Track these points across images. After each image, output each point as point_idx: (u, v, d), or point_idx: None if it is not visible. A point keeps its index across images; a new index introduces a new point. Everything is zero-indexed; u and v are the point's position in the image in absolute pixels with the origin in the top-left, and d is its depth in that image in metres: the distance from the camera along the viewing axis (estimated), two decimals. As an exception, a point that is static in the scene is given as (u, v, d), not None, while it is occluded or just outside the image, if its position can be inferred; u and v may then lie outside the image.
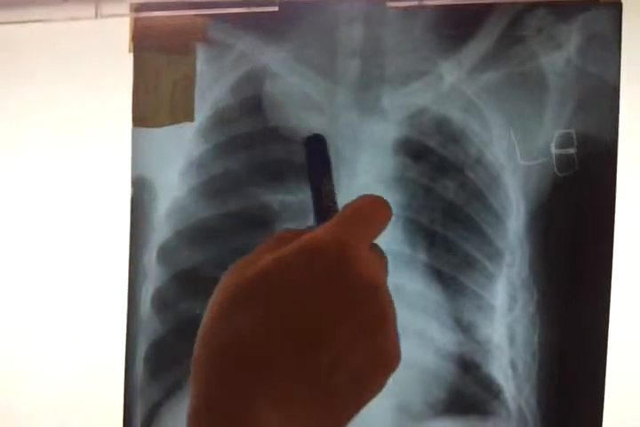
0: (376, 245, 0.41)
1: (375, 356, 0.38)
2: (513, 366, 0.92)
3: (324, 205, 0.44)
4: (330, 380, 0.36)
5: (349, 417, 0.38)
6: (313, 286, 0.36)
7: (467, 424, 0.93)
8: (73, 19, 1.08)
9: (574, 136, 0.91)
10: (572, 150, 0.91)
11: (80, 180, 1.10)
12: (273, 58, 1.00)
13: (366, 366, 0.37)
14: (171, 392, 1.03)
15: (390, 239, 0.93)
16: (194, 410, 0.36)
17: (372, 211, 0.41)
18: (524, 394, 0.91)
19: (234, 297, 0.37)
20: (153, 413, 1.04)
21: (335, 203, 0.46)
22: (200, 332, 0.38)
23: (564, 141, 0.91)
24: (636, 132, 0.89)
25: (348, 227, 0.39)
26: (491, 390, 0.92)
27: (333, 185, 0.46)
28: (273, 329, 0.36)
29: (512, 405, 0.92)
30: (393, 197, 0.93)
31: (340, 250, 0.37)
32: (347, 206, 0.42)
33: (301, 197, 0.97)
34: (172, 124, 1.04)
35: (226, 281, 0.39)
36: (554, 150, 0.91)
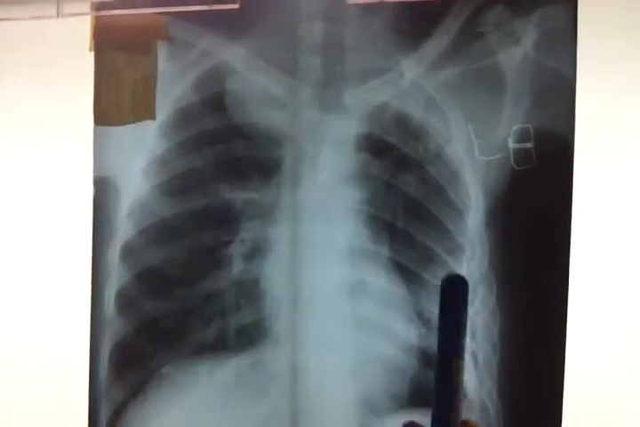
0: None
1: None
2: (474, 358, 0.92)
3: (452, 407, 0.31)
4: None
5: None
6: None
7: (429, 417, 0.93)
8: (35, 17, 1.08)
9: (531, 131, 0.92)
10: (529, 144, 0.92)
11: (42, 179, 1.09)
12: (234, 55, 1.00)
13: None
14: (136, 392, 1.03)
15: (353, 235, 0.94)
16: None
17: None
18: (486, 386, 0.92)
19: None
20: (118, 412, 1.03)
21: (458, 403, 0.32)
22: None
23: (522, 136, 0.92)
24: (592, 125, 0.90)
25: None
26: (452, 382, 0.93)
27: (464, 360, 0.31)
28: None
29: (474, 396, 0.92)
30: (355, 193, 0.94)
31: None
32: None
33: (264, 194, 0.97)
34: (133, 122, 1.04)
35: None
36: (511, 145, 0.92)
